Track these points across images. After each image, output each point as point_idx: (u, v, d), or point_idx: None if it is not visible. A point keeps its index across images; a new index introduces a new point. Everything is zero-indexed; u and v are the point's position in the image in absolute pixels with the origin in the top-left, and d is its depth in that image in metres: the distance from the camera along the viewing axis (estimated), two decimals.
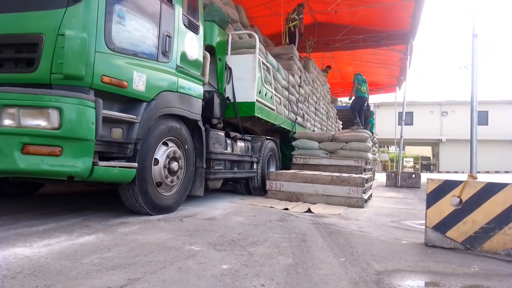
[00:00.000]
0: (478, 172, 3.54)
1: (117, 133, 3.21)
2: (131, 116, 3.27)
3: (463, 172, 25.97)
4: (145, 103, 3.44)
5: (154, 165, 3.61)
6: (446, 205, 2.89)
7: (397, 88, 15.84)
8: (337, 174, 5.93)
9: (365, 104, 11.28)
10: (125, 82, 3.21)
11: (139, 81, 3.34)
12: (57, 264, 2.10)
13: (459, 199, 2.88)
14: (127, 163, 3.27)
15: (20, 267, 2.02)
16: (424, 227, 3.04)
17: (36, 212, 3.63)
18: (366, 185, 5.69)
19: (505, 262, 2.60)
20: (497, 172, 30.43)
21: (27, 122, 2.77)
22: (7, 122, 2.74)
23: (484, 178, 3.13)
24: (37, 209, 3.81)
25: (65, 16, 2.90)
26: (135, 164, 3.33)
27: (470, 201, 2.83)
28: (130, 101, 3.36)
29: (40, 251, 2.33)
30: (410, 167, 34.68)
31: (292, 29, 9.36)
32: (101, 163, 3.05)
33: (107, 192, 5.42)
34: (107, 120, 3.07)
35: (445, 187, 2.92)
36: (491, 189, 2.80)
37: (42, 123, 2.78)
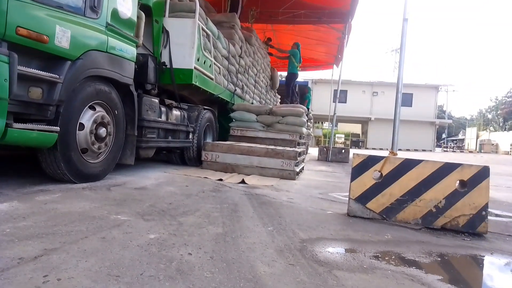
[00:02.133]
0: (400, 149, 3.83)
1: (36, 93, 2.91)
2: (53, 75, 2.97)
3: (387, 149, 28.10)
4: (69, 62, 3.14)
5: (79, 130, 3.36)
6: (368, 179, 3.11)
7: (335, 65, 16.36)
8: (272, 147, 6.06)
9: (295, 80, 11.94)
10: (45, 37, 2.89)
11: (62, 36, 3.03)
12: None
13: (380, 173, 3.10)
14: (47, 127, 3.00)
15: None
16: (348, 198, 3.24)
17: None
18: (298, 158, 5.90)
19: (414, 230, 2.88)
20: (416, 150, 33.45)
21: None
22: None
23: (403, 155, 3.40)
24: None
25: None
26: (57, 128, 3.06)
27: (389, 176, 3.06)
28: (52, 59, 3.05)
29: None
30: (341, 143, 36.60)
31: None
32: (16, 125, 2.76)
33: (24, 157, 4.97)
34: (24, 78, 2.77)
35: (369, 162, 3.12)
36: (408, 165, 3.04)
37: None
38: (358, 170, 3.15)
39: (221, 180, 4.74)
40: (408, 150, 31.77)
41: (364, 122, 38.12)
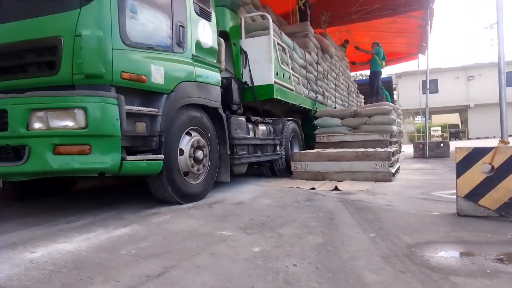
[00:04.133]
0: (510, 136, 3.42)
1: (141, 127, 3.28)
2: (153, 109, 3.33)
3: (494, 137, 25.05)
4: (165, 95, 3.48)
5: (179, 155, 3.68)
6: (477, 173, 2.82)
7: (420, 55, 15.27)
8: (362, 149, 5.86)
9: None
10: (143, 77, 3.26)
11: (157, 74, 3.38)
12: (97, 257, 2.20)
13: (490, 166, 2.80)
14: (153, 156, 3.35)
15: (64, 262, 2.13)
16: (455, 197, 2.99)
17: (72, 208, 3.80)
18: (392, 158, 5.61)
19: None
20: None
21: (55, 123, 2.87)
22: (37, 125, 2.85)
23: None
24: (72, 206, 3.98)
25: (80, 16, 2.95)
26: (162, 156, 3.40)
27: (502, 167, 2.75)
28: (150, 95, 3.42)
29: (80, 246, 2.44)
30: (438, 136, 33.67)
31: (303, 7, 9.17)
32: (129, 157, 3.13)
33: (136, 185, 5.58)
34: (131, 115, 3.14)
35: (475, 155, 2.84)
36: None
37: (69, 123, 2.87)
38: (464, 165, 2.88)
39: (313, 188, 4.73)
40: None
41: (462, 110, 34.60)
